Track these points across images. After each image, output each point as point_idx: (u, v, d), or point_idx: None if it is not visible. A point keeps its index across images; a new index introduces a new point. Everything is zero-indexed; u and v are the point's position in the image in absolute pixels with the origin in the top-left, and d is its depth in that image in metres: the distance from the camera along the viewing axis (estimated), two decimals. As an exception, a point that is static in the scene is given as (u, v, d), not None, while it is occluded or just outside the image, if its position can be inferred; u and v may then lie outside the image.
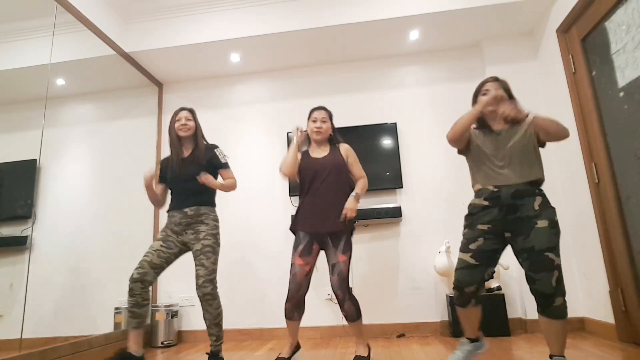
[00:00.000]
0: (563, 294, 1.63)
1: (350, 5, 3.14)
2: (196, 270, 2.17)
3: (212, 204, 2.35)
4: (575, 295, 2.89)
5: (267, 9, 3.24)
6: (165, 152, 3.72)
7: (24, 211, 2.31)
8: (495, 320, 2.79)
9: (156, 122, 3.69)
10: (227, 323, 3.30)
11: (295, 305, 2.18)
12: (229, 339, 3.27)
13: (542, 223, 1.68)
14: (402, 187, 3.28)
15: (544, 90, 3.21)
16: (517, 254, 1.75)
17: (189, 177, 2.28)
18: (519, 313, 2.99)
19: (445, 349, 2.48)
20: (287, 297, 2.18)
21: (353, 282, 3.23)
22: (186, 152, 2.36)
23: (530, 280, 1.67)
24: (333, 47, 3.42)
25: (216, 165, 2.37)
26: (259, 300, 3.31)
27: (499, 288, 2.85)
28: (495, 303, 2.81)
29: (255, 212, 3.48)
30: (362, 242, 3.30)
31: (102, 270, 2.89)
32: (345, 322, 3.15)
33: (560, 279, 1.63)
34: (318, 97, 3.63)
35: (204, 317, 2.19)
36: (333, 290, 2.14)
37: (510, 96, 1.93)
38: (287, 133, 3.51)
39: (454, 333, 2.85)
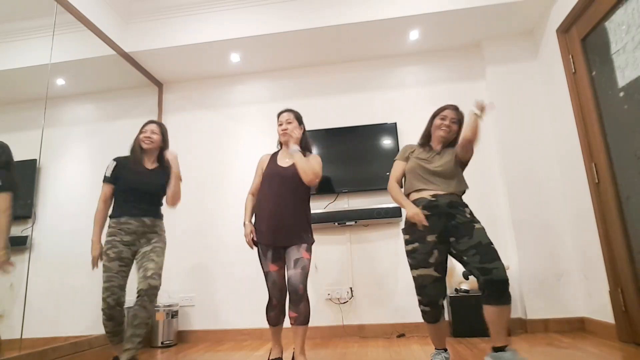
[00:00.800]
0: (509, 281, 1.80)
1: (350, 5, 3.14)
2: (144, 265, 2.13)
3: (162, 217, 2.36)
4: (575, 295, 2.89)
5: (267, 9, 3.24)
6: (165, 152, 3.73)
7: (24, 211, 2.31)
8: (495, 320, 2.79)
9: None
10: (227, 323, 3.30)
11: (281, 311, 2.17)
12: (229, 339, 3.27)
13: (478, 225, 1.88)
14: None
15: (544, 90, 3.21)
16: (463, 253, 1.85)
17: (150, 186, 2.27)
18: (519, 313, 2.99)
19: (445, 349, 2.48)
20: (272, 305, 2.14)
21: (353, 282, 3.23)
22: (149, 163, 2.34)
23: (484, 272, 1.76)
24: (333, 47, 3.42)
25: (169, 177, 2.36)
26: (259, 300, 3.31)
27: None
28: (495, 303, 2.81)
29: (255, 212, 3.48)
30: (362, 242, 3.30)
31: (102, 270, 2.88)
32: (345, 322, 3.15)
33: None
34: (318, 97, 3.63)
35: (137, 315, 2.04)
36: (291, 285, 2.01)
37: (460, 128, 2.12)
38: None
39: (454, 333, 2.85)
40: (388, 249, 3.26)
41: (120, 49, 3.24)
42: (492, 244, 1.83)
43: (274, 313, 2.17)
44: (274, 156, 2.33)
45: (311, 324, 3.19)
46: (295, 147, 2.19)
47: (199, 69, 3.65)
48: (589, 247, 2.72)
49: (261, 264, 2.18)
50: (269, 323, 2.21)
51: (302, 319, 2.03)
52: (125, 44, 3.31)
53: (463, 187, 2.04)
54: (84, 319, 2.68)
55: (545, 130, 3.16)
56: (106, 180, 2.28)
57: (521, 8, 3.00)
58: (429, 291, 1.88)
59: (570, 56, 2.81)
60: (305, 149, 2.30)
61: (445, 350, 1.99)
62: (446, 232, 1.91)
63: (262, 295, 3.31)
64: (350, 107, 3.57)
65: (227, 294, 3.36)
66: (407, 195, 2.10)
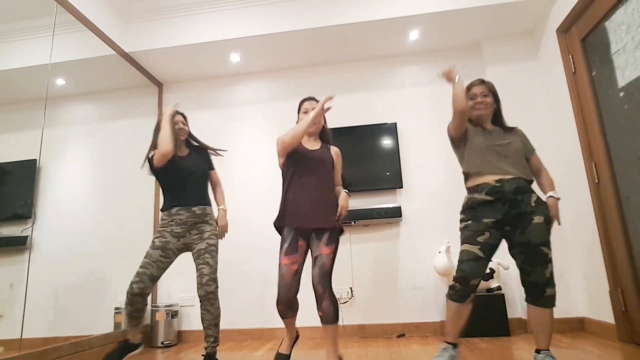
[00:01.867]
0: (554, 285, 1.73)
1: (350, 5, 3.14)
2: (200, 269, 2.14)
3: (211, 204, 2.35)
4: (575, 295, 2.89)
5: (267, 9, 3.24)
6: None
7: (24, 211, 2.31)
8: (495, 320, 2.79)
9: (156, 122, 3.69)
10: (227, 323, 3.30)
11: (287, 306, 2.05)
12: (229, 339, 3.27)
13: (538, 219, 1.75)
14: (402, 187, 3.28)
15: (544, 90, 3.21)
16: (512, 246, 1.80)
17: (195, 174, 2.27)
18: (519, 313, 2.99)
19: (445, 349, 2.48)
20: (278, 300, 2.03)
21: (353, 282, 3.23)
22: (181, 152, 2.34)
23: (525, 272, 1.74)
24: (333, 47, 3.42)
25: (211, 166, 2.42)
26: (259, 300, 3.31)
27: (499, 288, 2.85)
28: (495, 303, 2.81)
29: (255, 211, 3.48)
30: (362, 242, 3.30)
31: (102, 270, 2.89)
32: (346, 322, 3.15)
33: (552, 272, 1.73)
34: (318, 97, 3.62)
35: (203, 318, 2.15)
36: (313, 285, 1.96)
37: (497, 98, 2.01)
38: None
39: (454, 333, 2.85)
40: (388, 249, 3.26)
41: (120, 49, 3.24)
42: (543, 244, 1.71)
43: (281, 307, 2.06)
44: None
45: (311, 323, 3.19)
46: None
47: (199, 69, 3.65)
48: (589, 247, 2.72)
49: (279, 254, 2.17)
50: (280, 315, 2.11)
51: (327, 318, 1.94)
52: (125, 44, 3.31)
53: (529, 175, 1.87)
54: (84, 319, 2.68)
55: (545, 130, 3.16)
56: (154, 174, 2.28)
57: (521, 8, 3.00)
58: (465, 267, 1.76)
59: (570, 56, 2.81)
60: (326, 140, 2.27)
61: (455, 346, 1.84)
62: (505, 219, 1.79)
63: (262, 295, 3.31)
64: (350, 107, 3.57)
65: (227, 294, 3.35)
66: (467, 178, 1.92)
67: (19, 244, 2.26)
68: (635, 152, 2.25)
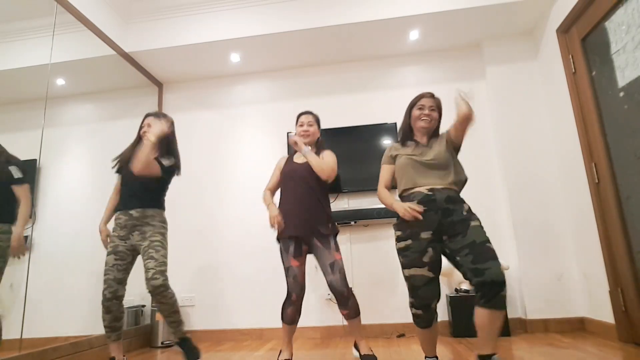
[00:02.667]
0: (506, 284, 1.66)
1: (350, 5, 3.14)
2: (145, 264, 2.17)
3: (159, 206, 2.34)
4: (575, 295, 2.89)
5: (267, 9, 3.24)
6: (165, 152, 3.72)
7: (24, 211, 2.31)
8: (495, 320, 2.79)
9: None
10: (227, 323, 3.30)
11: (298, 309, 2.16)
12: (229, 339, 3.27)
13: (474, 222, 1.74)
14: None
15: (544, 90, 3.21)
16: (456, 252, 1.72)
17: (137, 179, 2.29)
18: (519, 313, 2.99)
19: (445, 349, 2.48)
20: (290, 301, 2.13)
21: (353, 282, 3.23)
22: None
23: (477, 272, 1.62)
24: (333, 47, 3.42)
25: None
26: (258, 300, 3.31)
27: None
28: (495, 303, 2.81)
29: (255, 212, 3.48)
30: (362, 242, 3.30)
31: (102, 270, 2.88)
32: (345, 322, 3.15)
33: (503, 269, 1.66)
34: (318, 97, 3.63)
35: (160, 310, 2.19)
36: (335, 289, 2.10)
37: (440, 115, 2.03)
38: (287, 133, 3.50)
39: (454, 333, 2.85)
40: (388, 249, 3.26)
41: (120, 49, 3.24)
42: (488, 242, 1.68)
43: (292, 309, 2.14)
44: (290, 157, 2.44)
45: (311, 324, 3.19)
46: (307, 148, 2.27)
47: (199, 69, 3.65)
48: (589, 247, 2.72)
49: (282, 260, 2.22)
50: (283, 320, 2.17)
51: (353, 313, 2.15)
52: (125, 44, 3.31)
53: (462, 177, 1.89)
54: (84, 319, 2.68)
55: (545, 130, 3.16)
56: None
57: (521, 8, 3.00)
58: (422, 293, 1.74)
59: (570, 56, 2.81)
60: (320, 148, 2.40)
61: (436, 358, 1.88)
62: (441, 229, 1.77)
63: (262, 295, 3.31)
64: (350, 107, 3.57)
65: (227, 294, 3.36)
66: (402, 193, 1.94)
67: (19, 244, 2.26)
68: (635, 152, 2.25)
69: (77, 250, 2.68)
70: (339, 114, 3.56)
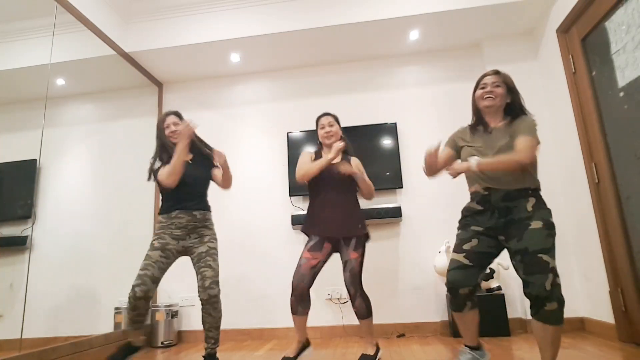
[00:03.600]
0: (559, 299, 1.55)
1: (350, 5, 3.14)
2: (202, 272, 2.11)
3: (211, 209, 2.34)
4: (575, 295, 2.89)
5: (268, 9, 3.24)
6: (165, 152, 3.72)
7: (24, 211, 2.31)
8: (495, 320, 2.79)
9: (156, 122, 3.69)
10: (227, 323, 3.30)
11: (298, 299, 2.15)
12: (229, 339, 3.27)
13: (535, 224, 1.62)
14: (402, 187, 3.28)
15: (544, 90, 3.21)
16: (511, 256, 1.67)
17: (198, 180, 2.26)
18: (519, 313, 2.99)
19: (445, 349, 2.48)
20: (292, 289, 2.17)
21: (353, 282, 3.23)
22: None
23: (525, 283, 1.59)
24: (333, 47, 3.42)
25: (213, 166, 2.37)
26: (259, 300, 3.31)
27: (499, 288, 2.85)
28: (495, 303, 2.81)
29: (256, 212, 3.48)
30: (362, 242, 3.30)
31: (102, 270, 2.89)
32: (346, 323, 3.16)
33: (555, 284, 1.54)
34: (318, 97, 3.63)
35: (205, 321, 2.12)
36: (346, 287, 2.17)
37: (512, 90, 1.85)
38: (287, 133, 3.51)
39: (454, 333, 2.85)
40: (388, 249, 3.26)
41: (120, 49, 3.24)
42: (542, 252, 1.57)
43: (293, 299, 2.17)
44: (317, 154, 2.39)
45: (311, 323, 3.19)
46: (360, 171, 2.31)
47: (199, 69, 3.65)
48: (589, 247, 2.72)
49: None
50: (291, 311, 2.20)
51: (362, 313, 2.17)
52: (125, 44, 3.31)
53: (527, 184, 1.70)
54: (84, 319, 2.68)
55: (545, 130, 3.16)
56: (160, 168, 2.20)
57: (521, 8, 3.00)
58: (452, 276, 1.73)
59: (570, 56, 2.81)
60: (348, 152, 2.42)
61: (476, 348, 1.79)
62: (496, 228, 1.71)
63: (262, 295, 3.31)
64: (350, 107, 3.57)
65: (227, 294, 3.36)
66: (469, 190, 1.85)
67: (19, 244, 2.26)
68: (635, 152, 2.25)
69: (77, 250, 2.69)
70: (339, 114, 3.54)
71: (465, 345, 1.81)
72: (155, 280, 2.06)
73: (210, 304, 2.10)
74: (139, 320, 2.09)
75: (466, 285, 1.71)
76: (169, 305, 3.22)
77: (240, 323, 3.29)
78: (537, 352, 2.26)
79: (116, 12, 3.24)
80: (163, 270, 2.11)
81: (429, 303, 3.12)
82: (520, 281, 2.97)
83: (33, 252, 2.31)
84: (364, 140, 3.36)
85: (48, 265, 2.42)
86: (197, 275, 2.14)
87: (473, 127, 1.90)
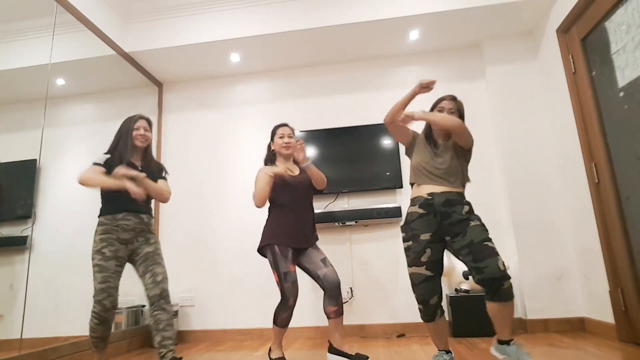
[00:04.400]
0: (509, 277, 1.73)
1: (350, 5, 3.14)
2: (151, 269, 2.08)
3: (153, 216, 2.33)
4: (575, 295, 2.89)
5: (268, 9, 3.24)
6: (167, 152, 3.73)
7: (24, 211, 2.31)
8: (495, 320, 2.79)
9: (156, 122, 3.69)
10: (227, 323, 3.30)
11: (292, 313, 2.19)
12: (229, 339, 3.27)
13: (474, 223, 1.84)
14: (402, 187, 3.28)
15: (544, 90, 3.21)
16: (458, 252, 1.84)
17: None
18: (519, 313, 2.99)
19: (445, 349, 2.48)
20: (288, 306, 2.14)
21: (353, 282, 3.23)
22: (137, 160, 2.26)
23: (477, 271, 1.75)
24: (333, 47, 3.42)
25: (159, 177, 2.31)
26: (259, 300, 3.31)
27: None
28: (495, 303, 2.81)
29: (255, 212, 3.48)
30: (362, 242, 3.30)
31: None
32: (345, 322, 3.15)
33: (504, 263, 1.74)
34: (318, 97, 3.63)
35: (160, 319, 2.03)
36: (330, 281, 2.20)
37: (463, 117, 2.07)
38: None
39: (454, 333, 2.85)
40: (388, 249, 3.26)
41: (120, 49, 3.24)
42: (486, 240, 1.78)
43: (287, 314, 2.16)
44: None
45: (311, 324, 3.19)
46: (308, 162, 2.36)
47: (199, 69, 3.65)
48: (589, 247, 2.72)
49: (277, 266, 2.18)
50: (279, 325, 2.18)
51: (341, 310, 2.22)
52: (125, 44, 3.31)
53: (464, 181, 2.00)
54: (84, 319, 2.67)
55: (545, 130, 3.16)
56: (97, 164, 2.12)
57: (521, 8, 3.00)
58: (419, 290, 1.90)
59: (570, 56, 2.81)
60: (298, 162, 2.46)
61: (448, 352, 1.95)
62: (441, 231, 1.89)
63: (262, 295, 3.31)
64: (350, 107, 3.57)
65: (227, 294, 3.36)
66: (412, 188, 2.08)
67: (19, 244, 2.26)
68: (635, 152, 2.25)
69: (77, 250, 2.68)
70: (339, 114, 3.56)
71: (440, 350, 1.97)
72: (117, 289, 2.06)
73: (164, 298, 2.07)
74: (107, 336, 2.08)
75: (434, 294, 1.89)
76: (169, 305, 3.22)
77: (240, 323, 3.29)
78: (537, 352, 2.26)
79: (116, 12, 3.24)
80: (120, 277, 2.10)
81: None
82: (520, 281, 2.98)
83: (33, 252, 2.31)
84: (364, 140, 3.36)
85: (48, 265, 2.42)
86: (144, 275, 2.09)
87: (427, 137, 2.10)
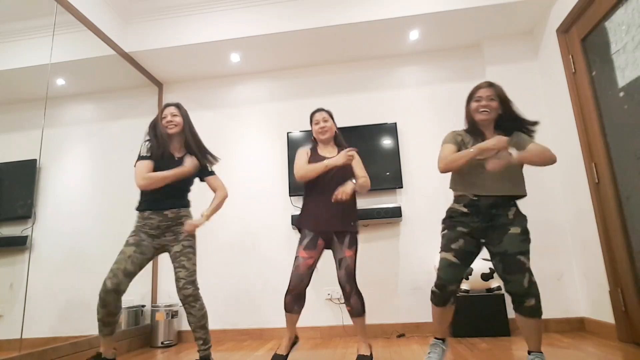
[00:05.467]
0: (535, 295, 1.69)
1: (350, 5, 3.14)
2: (176, 273, 2.10)
3: (189, 205, 2.30)
4: (575, 295, 2.89)
5: (267, 9, 3.24)
6: (165, 152, 3.73)
7: (24, 211, 2.31)
8: (495, 320, 2.79)
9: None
10: (227, 323, 3.30)
11: (295, 298, 2.17)
12: (229, 339, 3.27)
13: (514, 230, 1.77)
14: (402, 187, 3.28)
15: (544, 90, 3.21)
16: (492, 257, 1.82)
17: (185, 181, 2.22)
18: (519, 313, 2.99)
19: (445, 349, 2.48)
20: (288, 289, 2.17)
21: (353, 282, 3.23)
22: (175, 151, 2.23)
23: (504, 281, 1.75)
24: (333, 47, 3.42)
25: (204, 173, 2.32)
26: (259, 300, 3.31)
27: (498, 288, 2.85)
28: (495, 303, 2.81)
29: (255, 212, 3.48)
30: (362, 242, 3.30)
31: (102, 270, 2.88)
32: (345, 323, 3.15)
33: (532, 282, 1.69)
34: (318, 97, 3.63)
35: (189, 321, 2.11)
36: (340, 285, 2.17)
37: (505, 101, 1.90)
38: (287, 133, 3.51)
39: (454, 333, 2.85)
40: (388, 249, 3.26)
41: (120, 49, 3.24)
42: (519, 254, 1.72)
43: (289, 298, 2.17)
44: (314, 150, 2.38)
45: (311, 324, 3.19)
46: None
47: (199, 69, 3.65)
48: (589, 247, 2.72)
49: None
50: (285, 309, 2.20)
51: (356, 311, 2.16)
52: (125, 44, 3.31)
53: (517, 192, 1.84)
54: (84, 319, 2.68)
55: (545, 130, 3.16)
56: (144, 158, 2.11)
57: (521, 8, 3.00)
58: (443, 274, 1.82)
59: (570, 56, 2.81)
60: (341, 145, 2.43)
61: (444, 340, 1.93)
62: (479, 232, 1.82)
63: (262, 295, 3.31)
64: (350, 107, 3.57)
65: (227, 294, 3.35)
66: (453, 187, 1.93)
67: (19, 244, 2.26)
68: (635, 152, 2.25)
69: (77, 250, 2.69)
70: (339, 114, 3.55)
71: (437, 338, 1.94)
72: (128, 274, 2.00)
73: (187, 304, 2.09)
74: (110, 322, 1.99)
75: (455, 282, 1.83)
76: (169, 305, 3.22)
77: (240, 323, 3.29)
78: (537, 352, 2.26)
79: (116, 12, 3.24)
80: (137, 265, 2.05)
81: (429, 303, 3.10)
82: (520, 281, 2.98)
83: (33, 252, 2.31)
84: (364, 140, 3.36)
85: (48, 265, 2.42)
86: (175, 276, 2.12)
87: (471, 133, 1.94)
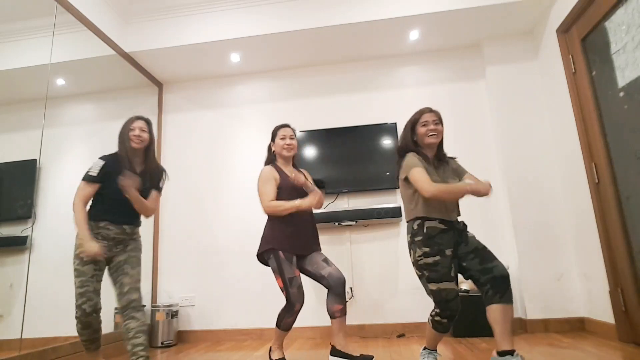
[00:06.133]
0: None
1: (350, 5, 3.14)
2: (119, 279, 2.01)
3: (141, 224, 2.21)
4: (575, 295, 2.89)
5: (267, 9, 3.24)
6: (167, 152, 3.73)
7: (24, 211, 2.31)
8: (495, 320, 2.79)
9: (156, 122, 3.69)
10: (227, 323, 3.30)
11: (295, 318, 2.18)
12: (229, 339, 3.27)
13: (470, 234, 1.92)
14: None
15: (544, 90, 3.21)
16: (462, 259, 1.86)
17: (144, 195, 2.11)
18: (519, 313, 2.99)
19: (445, 349, 2.48)
20: (294, 311, 2.13)
21: (353, 283, 3.23)
22: (137, 165, 2.15)
23: (486, 271, 1.78)
24: (333, 47, 3.42)
25: (156, 187, 2.21)
26: (258, 300, 3.31)
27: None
28: (495, 303, 2.81)
29: (255, 212, 3.48)
30: (362, 242, 3.30)
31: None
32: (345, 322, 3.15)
33: None
34: (318, 97, 3.63)
35: (128, 328, 1.93)
36: (335, 279, 2.18)
37: (441, 123, 1.99)
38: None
39: (454, 333, 2.85)
40: (388, 249, 3.26)
41: (120, 49, 3.24)
42: (485, 247, 1.87)
43: (293, 319, 2.15)
44: (280, 170, 2.34)
45: (311, 324, 3.19)
46: (310, 182, 2.38)
47: (199, 69, 3.65)
48: (589, 247, 2.72)
49: (282, 272, 2.15)
50: (282, 328, 2.17)
51: (345, 308, 2.20)
52: (125, 44, 3.31)
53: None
54: (84, 319, 2.68)
55: (545, 130, 3.16)
56: (91, 179, 2.02)
57: (521, 8, 3.00)
58: (454, 305, 1.79)
59: (570, 56, 2.81)
60: (295, 165, 2.48)
61: (435, 350, 2.01)
62: (455, 247, 1.88)
63: (262, 295, 3.31)
64: (350, 107, 3.57)
65: (227, 294, 3.36)
66: (419, 217, 1.88)
67: (19, 244, 2.26)
68: (635, 152, 2.25)
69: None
70: (339, 114, 3.56)
71: (427, 348, 2.01)
72: (98, 293, 1.99)
73: (131, 308, 1.96)
74: (96, 338, 2.02)
75: (459, 310, 1.84)
76: (169, 305, 3.22)
77: (240, 323, 3.29)
78: (537, 352, 2.26)
79: (116, 12, 3.24)
80: (100, 281, 2.02)
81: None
82: (520, 281, 2.98)
83: (33, 252, 2.31)
84: (364, 140, 3.37)
85: (48, 265, 2.42)
86: (114, 286, 2.04)
87: (421, 156, 1.95)
